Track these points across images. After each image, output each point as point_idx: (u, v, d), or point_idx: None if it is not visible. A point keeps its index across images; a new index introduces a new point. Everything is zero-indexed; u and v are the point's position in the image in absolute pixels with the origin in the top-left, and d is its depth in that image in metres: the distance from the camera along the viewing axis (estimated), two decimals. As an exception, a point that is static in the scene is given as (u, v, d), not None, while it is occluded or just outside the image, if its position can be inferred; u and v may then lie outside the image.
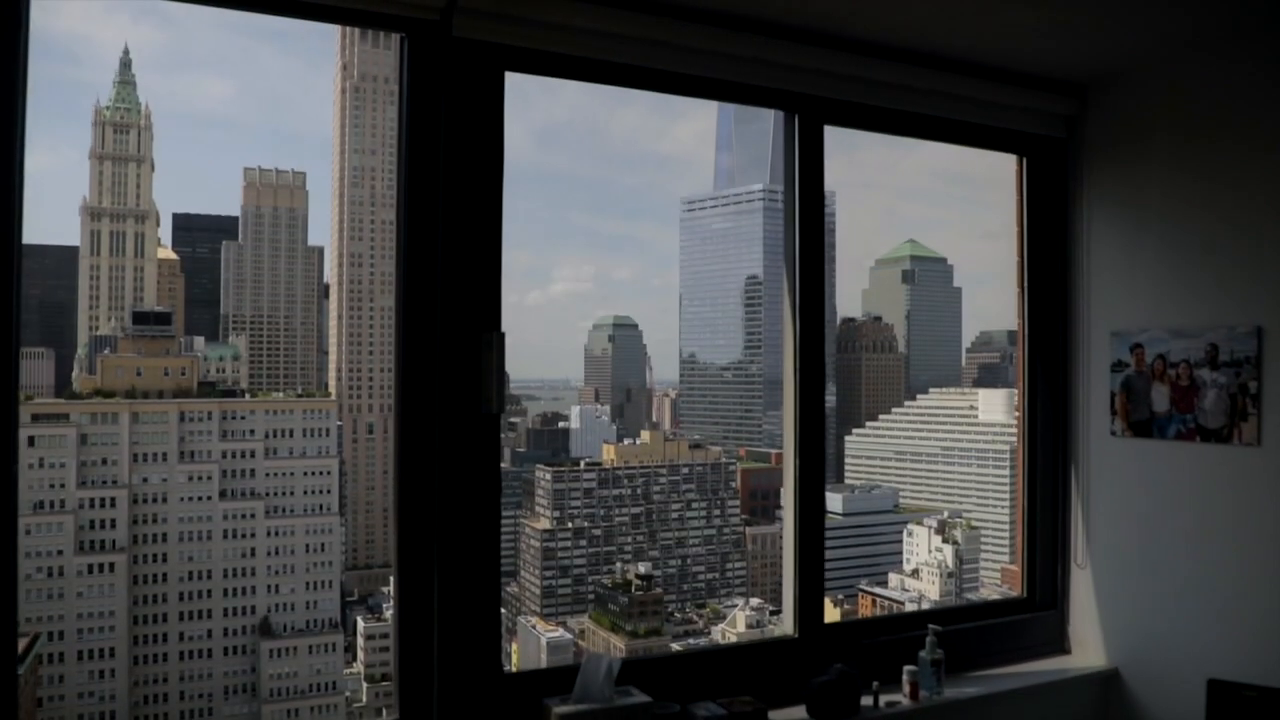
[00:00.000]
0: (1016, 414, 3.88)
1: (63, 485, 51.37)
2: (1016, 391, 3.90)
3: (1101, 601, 3.68)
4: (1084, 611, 3.75)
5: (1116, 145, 3.66)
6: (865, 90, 3.35)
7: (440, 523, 2.54)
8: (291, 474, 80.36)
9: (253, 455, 73.61)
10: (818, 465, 3.33)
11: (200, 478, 65.89)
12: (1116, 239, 3.65)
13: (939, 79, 3.40)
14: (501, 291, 2.68)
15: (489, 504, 2.62)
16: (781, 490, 3.20)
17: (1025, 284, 3.89)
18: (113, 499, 53.03)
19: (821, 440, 3.32)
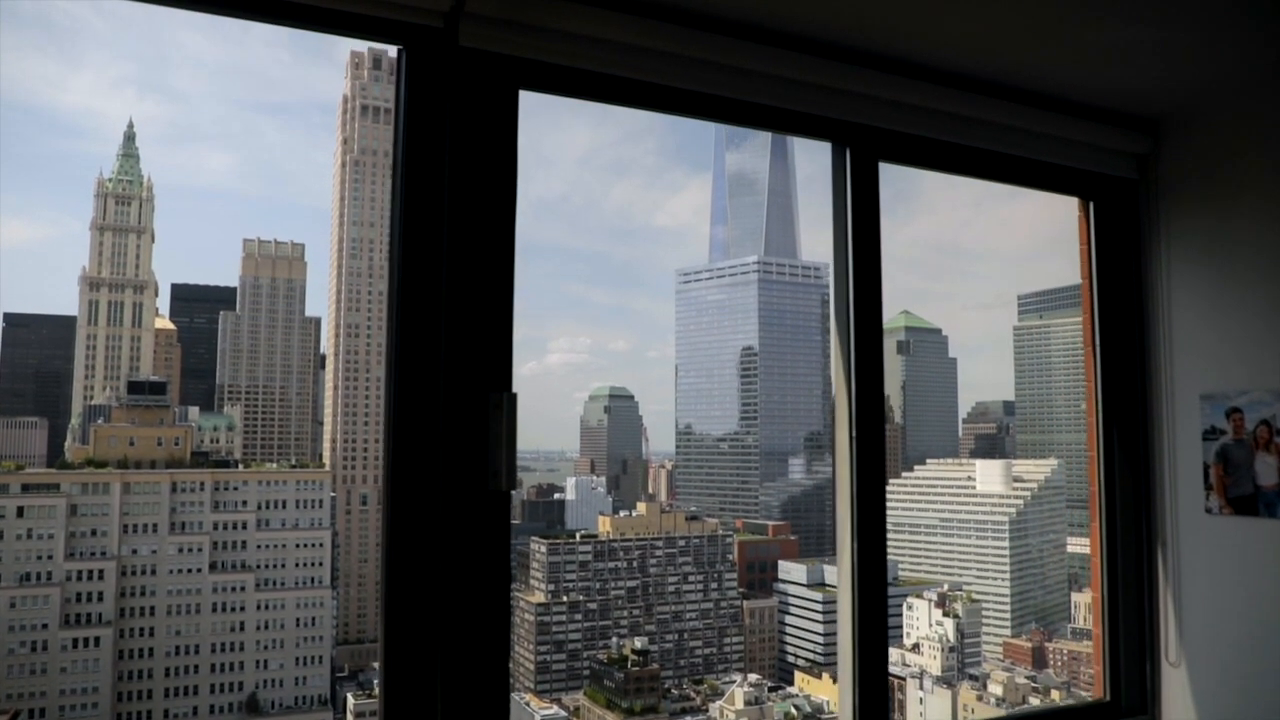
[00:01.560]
0: (1091, 489, 3.45)
1: (50, 557, 50.68)
2: (1089, 463, 3.46)
3: (1200, 706, 3.22)
4: (1179, 717, 3.29)
5: (1197, 186, 3.30)
6: (923, 121, 3.01)
7: (438, 616, 2.14)
8: (283, 546, 79.30)
9: (244, 526, 72.66)
10: (878, 534, 2.85)
11: (190, 549, 64.89)
12: (1203, 290, 3.26)
13: (1003, 110, 3.09)
14: (513, 345, 2.26)
15: (496, 594, 2.19)
16: (836, 564, 2.85)
17: (1096, 343, 3.47)
18: (101, 571, 52.27)
19: (882, 507, 2.85)
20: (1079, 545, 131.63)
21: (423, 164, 2.22)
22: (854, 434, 2.84)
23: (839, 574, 2.85)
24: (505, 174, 2.33)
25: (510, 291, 2.28)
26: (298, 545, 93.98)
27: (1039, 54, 2.83)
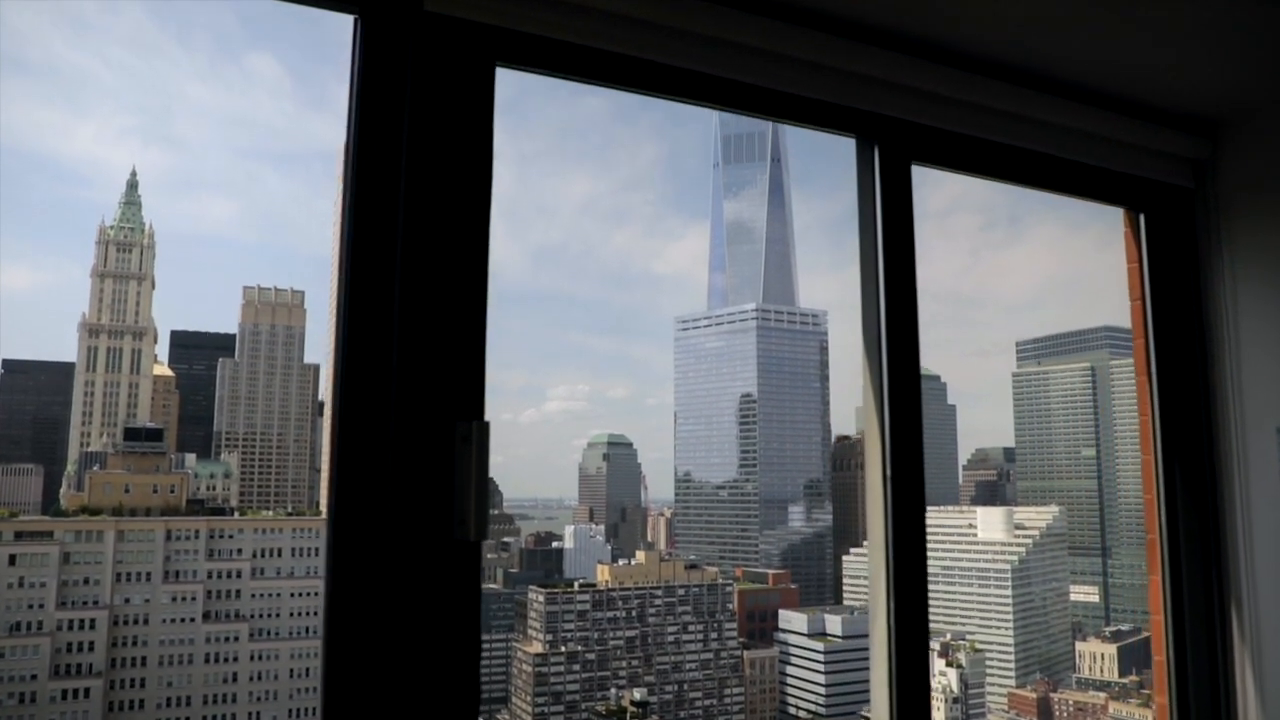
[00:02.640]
0: (1150, 537, 3.10)
1: (41, 606, 50.06)
2: (1147, 507, 3.12)
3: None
4: (1264, 802, 2.84)
5: (1262, 194, 2.96)
6: (962, 116, 2.65)
7: (392, 695, 1.78)
8: (278, 595, 78.58)
9: (239, 575, 72.00)
10: (917, 586, 2.50)
11: (184, 598, 64.13)
12: (1272, 312, 2.93)
13: (1046, 106, 2.75)
14: (485, 365, 1.88)
15: (462, 669, 1.84)
16: (870, 620, 2.53)
17: (1152, 372, 3.11)
18: (92, 620, 51.58)
19: (922, 556, 2.52)
20: (1082, 593, 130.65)
21: (380, 153, 1.84)
22: (888, 473, 2.46)
23: (872, 632, 2.54)
24: (478, 165, 1.93)
25: (483, 302, 1.90)
26: (293, 595, 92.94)
27: (1085, 40, 2.51)
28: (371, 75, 1.86)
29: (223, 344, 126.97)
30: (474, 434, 1.84)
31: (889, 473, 2.46)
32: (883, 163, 2.57)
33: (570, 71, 2.09)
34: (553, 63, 2.06)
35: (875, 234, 2.55)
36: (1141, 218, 3.12)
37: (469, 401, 1.88)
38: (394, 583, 1.77)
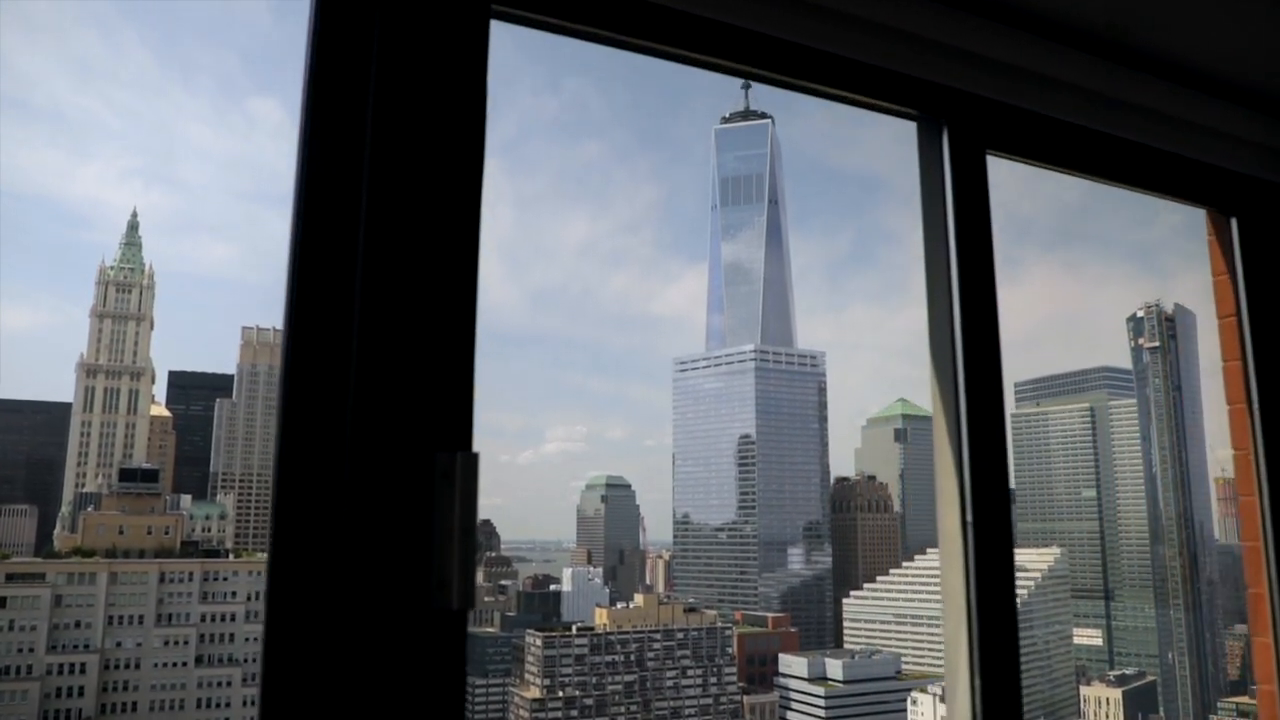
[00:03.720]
0: (1256, 591, 2.88)
1: (31, 649, 49.42)
2: (1249, 556, 2.94)
3: None
4: None
5: None
6: (1045, 96, 2.28)
7: None
8: None
9: (233, 619, 71.46)
10: (1008, 662, 2.11)
11: (177, 641, 63.41)
12: None
13: (1146, 89, 2.42)
14: (474, 383, 1.51)
15: None
16: (946, 703, 2.20)
17: (1254, 401, 2.77)
18: (83, 664, 50.93)
19: (1013, 624, 2.11)
20: (1086, 636, 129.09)
21: (340, 126, 1.47)
22: (969, 517, 2.05)
23: (950, 715, 2.16)
24: (469, 135, 1.55)
25: (473, 303, 1.52)
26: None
27: (1189, 11, 2.20)
28: (332, 23, 1.47)
29: (221, 384, 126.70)
30: (458, 469, 1.45)
31: (970, 517, 2.05)
32: (953, 149, 2.15)
33: (577, 20, 1.75)
34: (558, 9, 1.72)
35: (946, 239, 2.14)
36: (1234, 222, 2.73)
37: (452, 428, 1.49)
38: (350, 670, 1.35)
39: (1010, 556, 2.10)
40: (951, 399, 2.11)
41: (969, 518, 2.03)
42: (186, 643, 61.15)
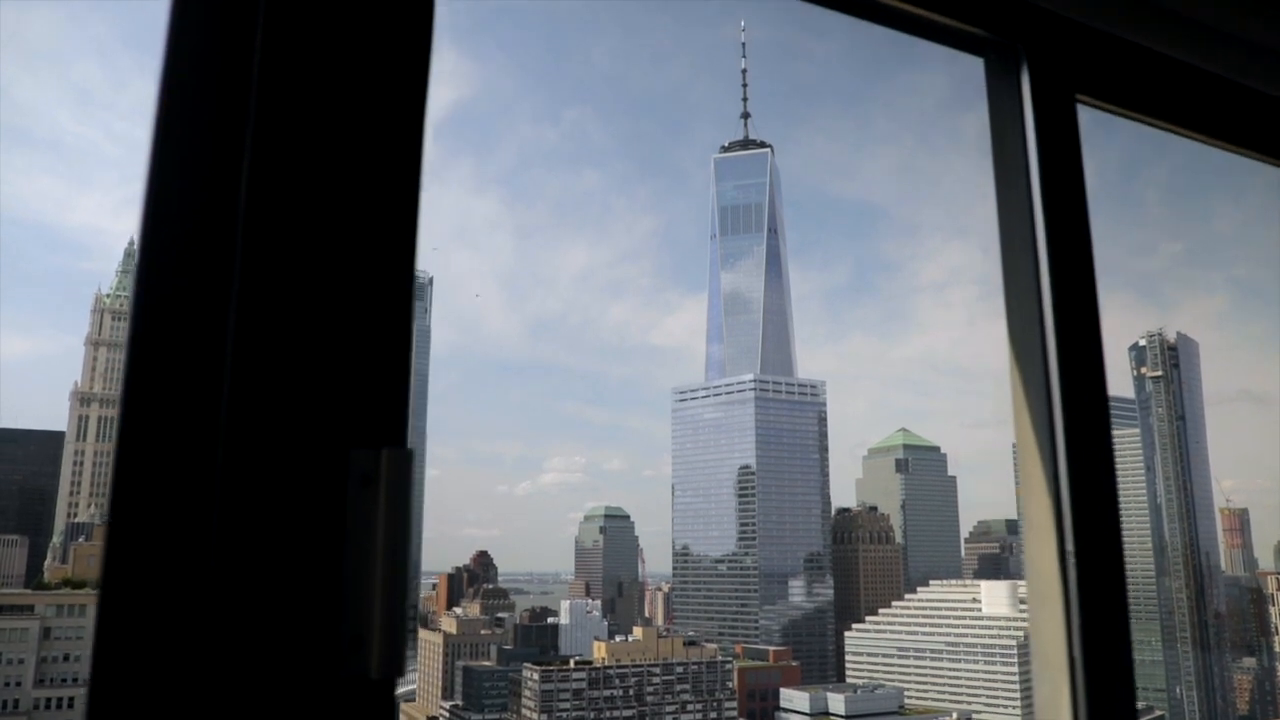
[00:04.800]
0: None
1: (19, 683, 48.61)
2: None
3: None
4: None
5: None
6: (1138, 25, 1.83)
7: None
8: None
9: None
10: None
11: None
12: None
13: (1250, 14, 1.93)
14: (410, 356, 1.10)
15: None
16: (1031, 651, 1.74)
17: None
18: (71, 699, 50.07)
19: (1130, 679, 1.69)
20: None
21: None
22: (1069, 547, 1.63)
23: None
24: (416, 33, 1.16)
25: (411, 251, 1.10)
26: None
27: None
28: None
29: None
30: (383, 471, 1.02)
31: (1071, 546, 1.62)
32: (1036, 91, 1.71)
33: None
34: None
35: (1028, 208, 1.71)
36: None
37: (375, 415, 1.05)
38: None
39: (1124, 597, 1.68)
40: (1041, 402, 1.70)
41: (1069, 547, 1.61)
42: (178, 677, 60.24)
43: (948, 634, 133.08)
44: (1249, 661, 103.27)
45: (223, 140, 1.06)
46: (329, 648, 0.98)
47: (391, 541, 1.01)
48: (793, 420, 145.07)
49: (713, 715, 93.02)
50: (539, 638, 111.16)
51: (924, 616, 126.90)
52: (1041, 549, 1.64)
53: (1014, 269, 1.77)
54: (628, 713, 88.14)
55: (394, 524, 1.01)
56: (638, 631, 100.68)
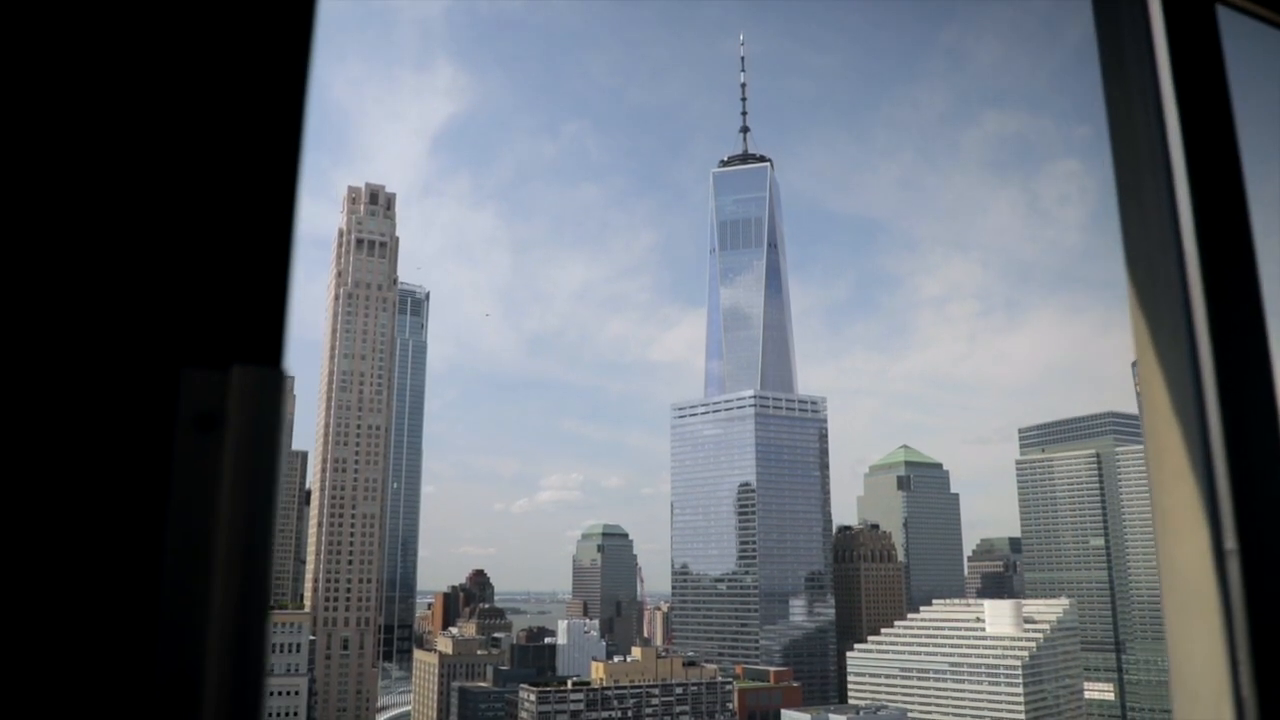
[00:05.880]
0: None
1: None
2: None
3: None
4: None
5: None
6: None
7: None
8: None
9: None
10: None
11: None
12: None
13: None
14: (294, 232, 0.66)
15: None
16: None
17: None
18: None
19: None
20: (1097, 691, 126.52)
21: None
22: (1226, 545, 1.17)
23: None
24: None
25: (302, 76, 0.72)
26: (272, 693, 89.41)
27: None
28: None
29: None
30: (234, 405, 0.64)
31: (1232, 544, 1.17)
32: (1169, 5, 1.41)
33: None
34: None
35: (1158, 129, 1.35)
36: None
37: (226, 318, 0.65)
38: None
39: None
40: (1183, 366, 1.25)
41: (1229, 544, 1.18)
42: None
43: (951, 654, 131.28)
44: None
45: None
46: (130, 697, 0.61)
47: (246, 522, 0.64)
48: (793, 437, 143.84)
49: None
50: (536, 658, 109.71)
51: (927, 636, 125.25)
52: (1183, 547, 1.19)
53: (1139, 214, 1.41)
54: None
55: (251, 493, 0.64)
56: (636, 652, 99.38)
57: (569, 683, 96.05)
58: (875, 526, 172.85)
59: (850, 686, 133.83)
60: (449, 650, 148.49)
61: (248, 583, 0.63)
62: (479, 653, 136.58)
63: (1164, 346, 1.32)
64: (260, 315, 0.62)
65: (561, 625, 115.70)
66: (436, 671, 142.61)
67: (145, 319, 0.59)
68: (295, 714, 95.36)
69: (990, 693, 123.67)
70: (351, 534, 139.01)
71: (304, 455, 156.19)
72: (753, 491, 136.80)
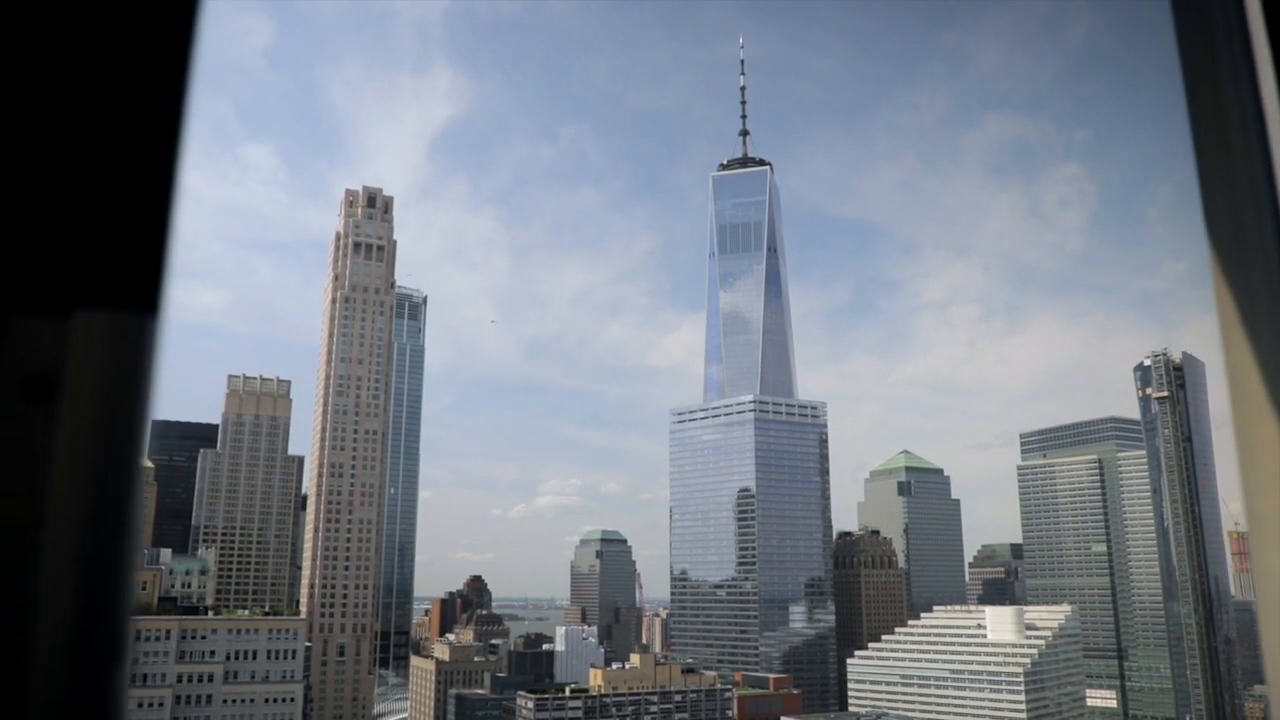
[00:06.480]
0: None
1: (-7, 715, 47.13)
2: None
3: None
4: None
5: None
6: None
7: None
8: (252, 700, 76.66)
9: (211, 679, 70.12)
10: None
11: (152, 704, 61.49)
12: None
13: None
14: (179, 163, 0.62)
15: None
16: None
17: None
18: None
19: None
20: (1100, 698, 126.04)
21: None
22: None
23: None
24: None
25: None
26: (267, 700, 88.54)
27: None
28: None
29: (205, 434, 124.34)
30: (74, 366, 0.48)
31: None
32: None
33: None
34: None
35: (1259, 115, 1.18)
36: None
37: (75, 252, 0.54)
38: None
39: None
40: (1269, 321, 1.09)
41: None
42: (162, 704, 58.68)
43: (952, 661, 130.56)
44: (1260, 689, 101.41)
45: None
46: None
47: (92, 518, 0.41)
48: (793, 442, 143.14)
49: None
50: (534, 665, 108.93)
51: (928, 643, 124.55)
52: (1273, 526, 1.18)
53: (1224, 164, 1.20)
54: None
55: (100, 483, 0.43)
56: (635, 658, 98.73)
57: (567, 690, 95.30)
58: (876, 532, 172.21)
59: (851, 693, 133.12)
60: (446, 657, 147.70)
61: (94, 595, 0.40)
62: (476, 659, 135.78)
63: (1256, 324, 1.06)
64: (121, 245, 0.42)
65: (559, 632, 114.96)
66: (433, 678, 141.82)
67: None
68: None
69: (992, 700, 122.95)
70: (348, 540, 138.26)
71: (300, 460, 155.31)
72: (752, 497, 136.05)
